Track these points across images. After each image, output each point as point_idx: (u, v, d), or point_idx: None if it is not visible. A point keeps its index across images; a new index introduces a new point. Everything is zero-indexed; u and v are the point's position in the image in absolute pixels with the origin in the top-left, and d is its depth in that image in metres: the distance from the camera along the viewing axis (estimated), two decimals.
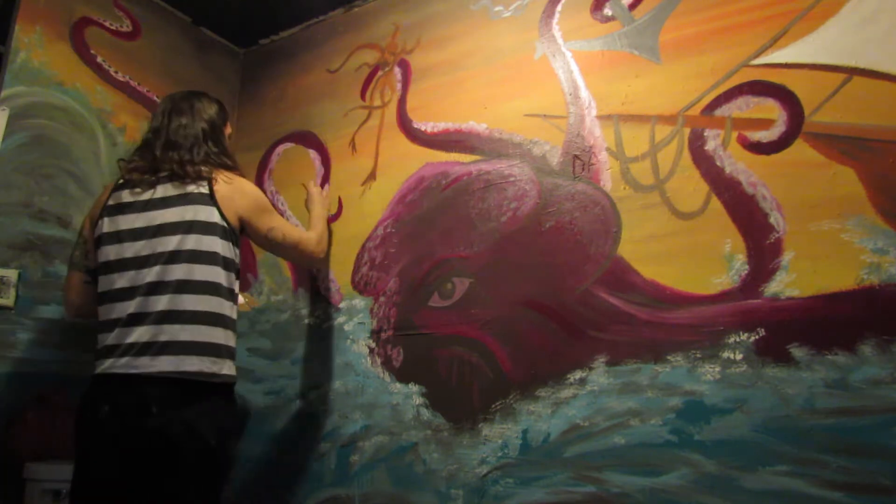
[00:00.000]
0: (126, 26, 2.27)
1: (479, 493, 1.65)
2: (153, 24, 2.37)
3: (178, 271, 1.46)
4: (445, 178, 1.96)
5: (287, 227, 1.73)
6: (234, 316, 1.56)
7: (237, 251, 1.59)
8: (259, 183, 2.47)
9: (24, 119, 1.90)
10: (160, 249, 1.48)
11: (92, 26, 2.15)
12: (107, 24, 2.20)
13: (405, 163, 2.07)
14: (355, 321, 2.04)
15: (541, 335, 1.66)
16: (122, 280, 1.48)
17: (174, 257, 1.47)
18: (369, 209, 2.12)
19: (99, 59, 2.15)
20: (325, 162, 2.30)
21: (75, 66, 2.07)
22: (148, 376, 1.39)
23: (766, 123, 1.48)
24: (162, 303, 1.44)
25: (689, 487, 1.39)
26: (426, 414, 1.80)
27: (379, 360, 1.94)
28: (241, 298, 1.89)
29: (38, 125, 1.93)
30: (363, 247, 2.10)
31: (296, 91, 2.49)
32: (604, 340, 1.57)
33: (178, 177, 1.55)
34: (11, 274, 1.81)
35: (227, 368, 1.49)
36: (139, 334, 1.42)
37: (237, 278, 1.60)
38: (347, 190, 2.20)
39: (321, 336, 2.11)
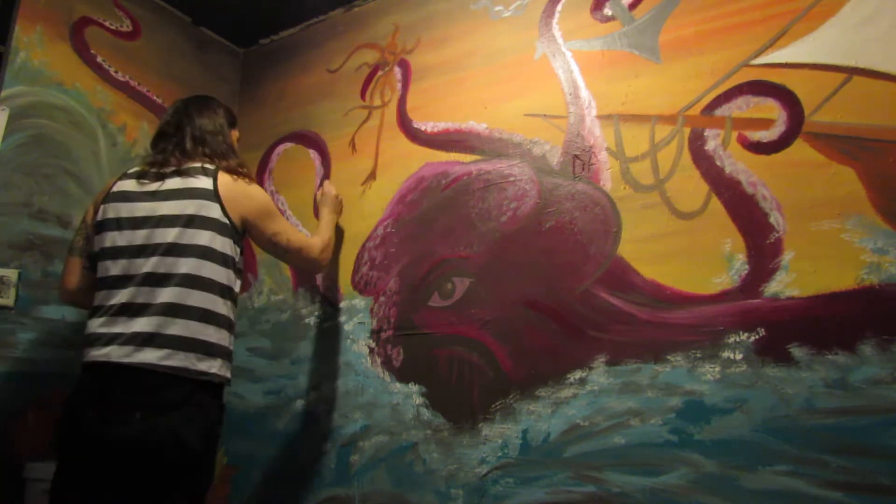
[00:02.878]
0: (126, 26, 2.27)
1: (479, 492, 1.65)
2: (153, 24, 2.37)
3: (173, 264, 1.44)
4: (445, 178, 1.97)
5: (292, 232, 1.70)
6: (231, 315, 1.53)
7: (238, 249, 1.57)
8: (259, 183, 2.47)
9: (24, 119, 1.90)
10: (157, 241, 1.46)
11: (92, 26, 2.15)
12: (107, 23, 2.21)
13: (405, 163, 2.07)
14: (355, 321, 2.04)
15: (541, 335, 1.66)
16: (115, 268, 1.46)
17: (170, 250, 1.45)
18: (369, 209, 2.12)
19: (99, 59, 2.15)
20: (325, 162, 2.30)
21: (75, 65, 2.07)
22: (133, 367, 1.37)
23: (766, 123, 1.48)
24: (154, 295, 1.42)
25: (689, 487, 1.39)
26: (426, 414, 1.80)
27: (379, 360, 1.94)
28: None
29: (38, 125, 1.93)
30: (363, 247, 2.10)
31: (296, 91, 2.50)
32: (604, 340, 1.57)
33: (186, 171, 1.54)
34: (11, 274, 1.81)
35: (217, 367, 1.45)
36: (129, 325, 1.40)
37: (238, 277, 1.57)
38: (347, 190, 2.20)
39: (321, 336, 2.11)
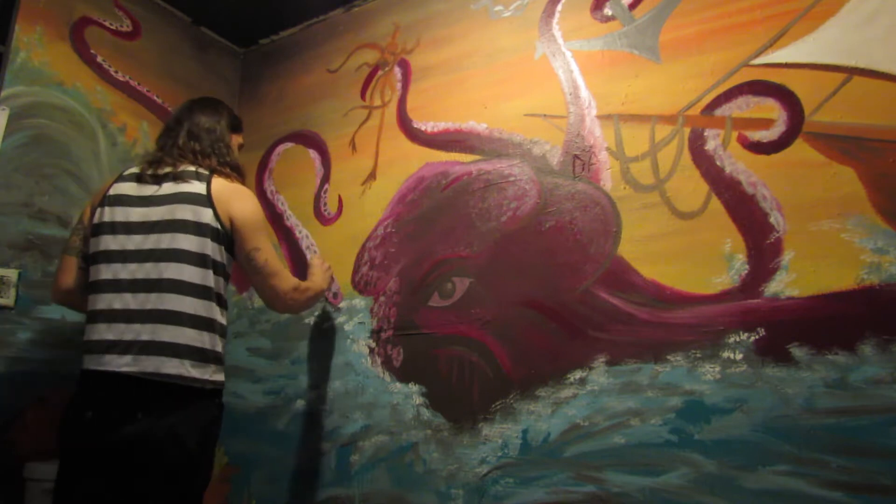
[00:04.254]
0: (126, 26, 2.27)
1: (479, 492, 1.65)
2: (153, 24, 2.37)
3: (165, 270, 1.44)
4: (445, 178, 1.97)
5: (272, 255, 1.60)
6: (223, 320, 1.52)
7: (229, 256, 1.56)
8: (259, 183, 2.48)
9: (24, 119, 1.90)
10: (150, 246, 1.46)
11: (92, 26, 2.15)
12: (107, 23, 2.21)
13: (405, 163, 2.07)
14: (355, 321, 2.04)
15: (541, 335, 1.66)
16: (107, 272, 1.46)
17: (163, 255, 1.45)
18: (369, 209, 2.12)
19: (99, 59, 2.15)
20: (325, 162, 2.30)
21: (75, 65, 2.07)
22: (130, 376, 1.38)
23: (766, 123, 1.48)
24: (146, 301, 1.42)
25: (689, 487, 1.39)
26: (426, 414, 1.80)
27: (379, 360, 1.94)
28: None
29: (38, 125, 1.93)
30: (363, 247, 2.10)
31: (296, 91, 2.50)
32: (604, 340, 1.57)
33: (181, 176, 1.53)
34: (11, 274, 1.81)
35: (210, 373, 1.45)
36: (123, 331, 1.41)
37: (227, 283, 1.56)
38: (347, 190, 2.20)
39: (321, 336, 2.11)
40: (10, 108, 1.86)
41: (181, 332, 1.42)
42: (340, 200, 2.21)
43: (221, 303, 1.52)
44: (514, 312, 1.72)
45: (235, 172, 1.63)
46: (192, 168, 1.55)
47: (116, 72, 2.20)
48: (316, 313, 2.14)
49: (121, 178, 1.57)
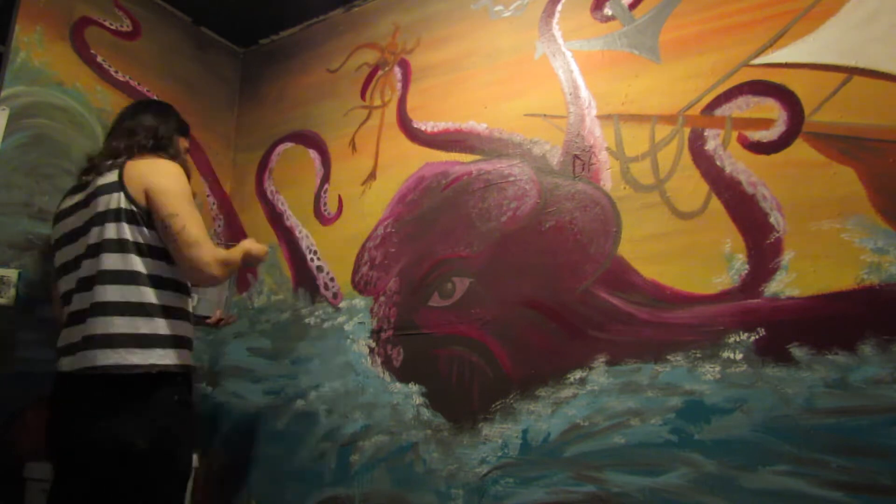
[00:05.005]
0: (126, 26, 2.27)
1: (479, 492, 1.65)
2: (153, 24, 2.37)
3: (95, 264, 1.42)
4: (445, 178, 1.96)
5: (193, 223, 1.45)
6: (165, 302, 1.45)
7: (155, 233, 1.46)
8: (259, 182, 2.48)
9: (24, 119, 1.90)
10: (82, 250, 1.47)
11: (92, 26, 2.15)
12: (107, 23, 2.20)
13: (405, 162, 2.07)
14: (355, 321, 2.04)
15: (541, 335, 1.66)
16: (64, 284, 1.50)
17: (91, 251, 1.44)
18: (369, 209, 2.12)
19: (99, 59, 2.15)
20: (325, 162, 2.30)
21: (75, 65, 2.07)
22: (75, 374, 1.38)
23: (766, 123, 1.48)
24: (85, 299, 1.42)
25: (689, 487, 1.39)
26: (426, 414, 1.80)
27: (379, 360, 1.94)
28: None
29: (38, 125, 1.93)
30: (363, 247, 2.10)
31: (296, 91, 2.49)
32: (604, 340, 1.57)
33: (99, 170, 1.51)
34: (11, 274, 1.81)
35: (156, 358, 1.39)
36: (71, 333, 1.43)
37: (169, 263, 1.47)
38: (347, 190, 2.20)
39: (321, 336, 2.11)
40: (10, 108, 1.86)
41: (110, 322, 1.38)
42: (340, 200, 2.21)
43: (159, 284, 1.45)
44: (514, 312, 1.72)
45: (160, 152, 1.55)
46: (110, 161, 1.51)
47: (116, 72, 2.20)
48: (316, 313, 2.15)
49: (66, 193, 1.60)
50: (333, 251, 2.15)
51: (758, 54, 1.52)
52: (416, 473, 1.77)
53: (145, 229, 1.45)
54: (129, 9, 2.29)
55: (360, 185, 2.17)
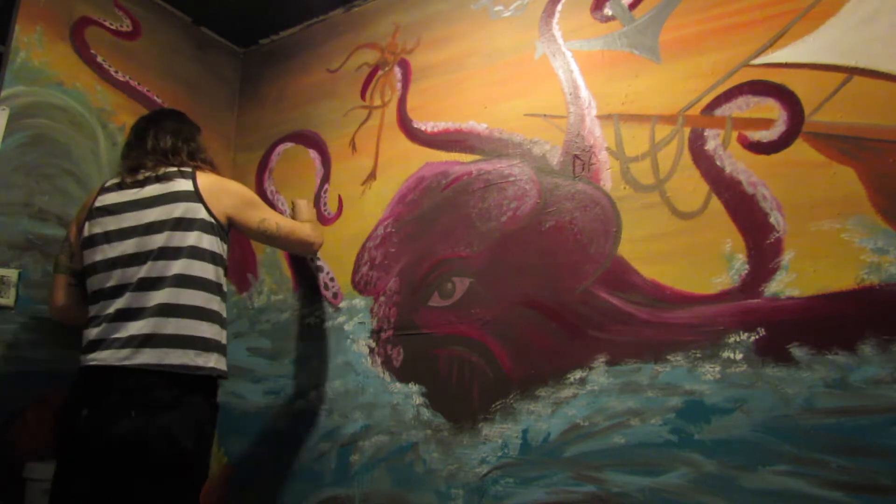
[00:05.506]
0: (126, 26, 2.27)
1: (479, 492, 1.65)
2: (153, 24, 2.37)
3: (165, 267, 1.48)
4: (445, 178, 1.97)
5: (279, 217, 1.74)
6: (223, 311, 1.57)
7: (225, 247, 1.62)
8: (259, 182, 2.48)
9: (24, 119, 1.90)
10: (147, 248, 1.50)
11: (92, 26, 2.15)
12: (107, 23, 2.20)
13: (405, 162, 2.07)
14: (355, 321, 2.04)
15: (541, 335, 1.66)
16: (110, 279, 1.50)
17: (161, 254, 1.49)
18: (369, 209, 2.12)
19: (99, 59, 2.15)
20: (325, 162, 2.30)
21: (75, 65, 2.07)
22: (130, 368, 1.40)
23: (766, 123, 1.48)
24: (147, 298, 1.46)
25: (689, 487, 1.39)
26: (426, 414, 1.80)
27: (379, 360, 1.94)
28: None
29: (38, 125, 1.93)
30: (363, 246, 2.10)
31: (296, 91, 2.49)
32: (604, 340, 1.57)
33: (164, 177, 1.58)
34: (11, 274, 1.81)
35: (213, 361, 1.50)
36: (125, 329, 1.44)
37: (225, 274, 1.62)
38: (347, 190, 2.20)
39: (321, 336, 2.11)
40: (10, 108, 1.86)
41: (183, 324, 1.46)
42: (340, 200, 2.21)
43: (221, 294, 1.58)
44: (514, 312, 1.72)
45: (213, 169, 1.69)
46: (174, 168, 1.60)
47: (116, 72, 2.20)
48: (316, 313, 2.14)
49: (103, 190, 1.61)
50: (333, 251, 2.15)
51: (758, 54, 1.52)
52: (416, 473, 1.77)
53: (217, 239, 1.58)
54: (129, 9, 2.29)
55: (360, 185, 2.17)
